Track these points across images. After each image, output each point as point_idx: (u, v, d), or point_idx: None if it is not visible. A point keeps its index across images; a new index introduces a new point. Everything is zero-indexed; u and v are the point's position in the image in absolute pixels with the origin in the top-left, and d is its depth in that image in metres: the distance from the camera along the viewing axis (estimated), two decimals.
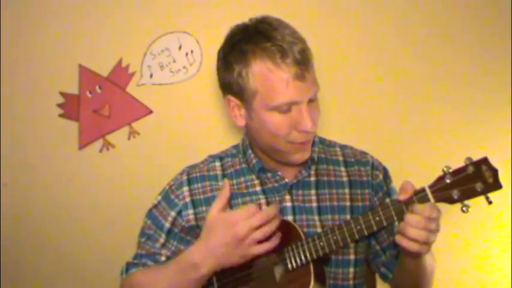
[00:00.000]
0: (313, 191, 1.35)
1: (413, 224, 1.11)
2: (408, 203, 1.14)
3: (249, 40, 1.24)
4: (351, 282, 1.34)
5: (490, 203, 1.11)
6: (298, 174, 1.35)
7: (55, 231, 1.73)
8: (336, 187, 1.37)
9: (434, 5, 1.79)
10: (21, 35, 1.70)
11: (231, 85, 1.28)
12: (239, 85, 1.25)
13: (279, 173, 1.35)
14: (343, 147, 1.45)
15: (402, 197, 1.14)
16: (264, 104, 1.22)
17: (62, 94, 1.71)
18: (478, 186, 1.09)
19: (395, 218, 1.15)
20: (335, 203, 1.35)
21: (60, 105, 1.71)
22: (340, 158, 1.41)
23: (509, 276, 1.80)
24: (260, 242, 1.17)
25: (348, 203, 1.36)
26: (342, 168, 1.40)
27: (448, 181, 1.11)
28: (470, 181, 1.10)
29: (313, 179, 1.36)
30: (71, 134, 1.72)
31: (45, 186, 1.73)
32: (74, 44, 1.71)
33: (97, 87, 1.72)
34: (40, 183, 1.73)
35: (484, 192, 1.10)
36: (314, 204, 1.34)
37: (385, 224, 1.16)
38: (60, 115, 1.72)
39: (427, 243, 1.13)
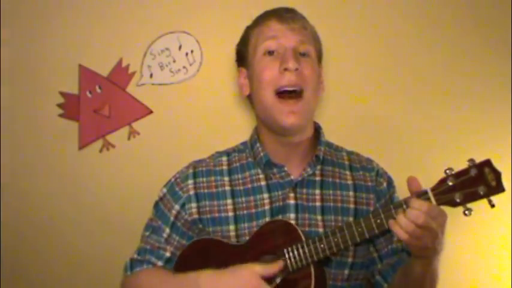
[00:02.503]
0: (317, 191, 1.36)
1: (406, 215, 1.11)
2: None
3: (261, 14, 1.41)
4: (345, 283, 1.34)
5: (492, 206, 1.09)
6: (303, 171, 1.36)
7: (55, 231, 1.73)
8: (341, 188, 1.37)
9: (438, 9, 1.80)
10: (21, 35, 1.70)
11: (241, 55, 1.43)
12: (246, 51, 1.40)
13: (285, 169, 1.35)
14: (349, 152, 1.46)
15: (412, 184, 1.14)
16: (256, 51, 1.35)
17: (62, 94, 1.71)
18: (481, 189, 1.08)
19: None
20: (339, 204, 1.36)
21: (60, 105, 1.71)
22: (346, 162, 1.42)
23: (510, 276, 1.80)
24: None
25: (352, 206, 1.36)
26: (347, 172, 1.40)
27: (450, 184, 1.10)
28: (473, 184, 1.08)
29: (318, 178, 1.37)
30: (71, 134, 1.72)
31: (45, 186, 1.73)
32: (74, 44, 1.71)
33: (97, 87, 1.72)
34: (40, 183, 1.73)
35: (487, 195, 1.08)
36: (318, 204, 1.35)
37: (386, 226, 1.15)
38: (60, 115, 1.72)
39: (418, 239, 1.13)
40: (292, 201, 1.34)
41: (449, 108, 1.80)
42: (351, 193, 1.38)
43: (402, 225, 1.11)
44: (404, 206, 1.14)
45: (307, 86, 1.31)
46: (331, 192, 1.37)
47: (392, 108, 1.79)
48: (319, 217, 1.33)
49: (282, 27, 1.34)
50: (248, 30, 1.42)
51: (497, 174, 1.08)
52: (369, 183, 1.40)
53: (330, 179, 1.38)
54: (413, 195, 1.14)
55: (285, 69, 1.29)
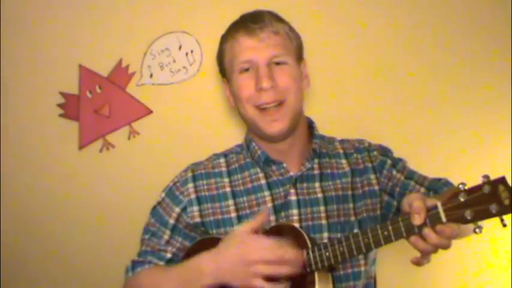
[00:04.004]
0: (317, 184, 1.37)
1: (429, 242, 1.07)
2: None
3: (232, 25, 1.40)
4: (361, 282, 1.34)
5: (504, 225, 1.04)
6: (301, 166, 1.36)
7: (55, 231, 1.73)
8: (339, 178, 1.39)
9: (437, 8, 1.79)
10: (21, 35, 1.70)
11: (221, 67, 1.42)
12: (224, 65, 1.39)
13: (284, 165, 1.36)
14: (341, 141, 1.48)
15: (416, 221, 1.06)
16: (232, 70, 1.35)
17: (62, 94, 1.71)
18: (493, 207, 1.02)
19: (404, 235, 1.10)
20: (340, 193, 1.37)
21: (60, 105, 1.71)
22: (341, 151, 1.44)
23: (509, 276, 1.80)
24: (271, 279, 1.15)
25: (350, 192, 1.38)
26: (343, 161, 1.42)
27: (462, 199, 1.04)
28: (485, 201, 1.02)
29: (317, 172, 1.38)
30: (71, 134, 1.72)
31: (45, 186, 1.73)
32: (74, 44, 1.71)
33: (97, 87, 1.72)
34: (40, 183, 1.73)
35: (499, 214, 1.02)
36: (319, 195, 1.35)
37: (393, 239, 1.11)
38: (60, 115, 1.72)
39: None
40: (293, 198, 1.35)
41: (447, 107, 1.81)
42: (349, 179, 1.39)
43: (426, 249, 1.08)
44: (414, 225, 1.09)
45: (287, 96, 1.32)
46: (330, 183, 1.38)
47: (386, 105, 1.80)
48: (322, 208, 1.34)
49: (252, 42, 1.32)
50: (222, 43, 1.41)
51: None
52: (361, 166, 1.41)
53: (329, 171, 1.39)
54: (425, 217, 1.07)
55: (261, 89, 1.29)
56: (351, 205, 1.36)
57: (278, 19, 1.37)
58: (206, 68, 1.73)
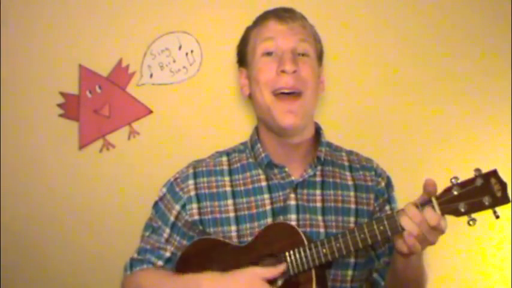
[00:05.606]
0: (318, 191, 1.36)
1: (416, 223, 1.11)
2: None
3: (261, 14, 1.41)
4: (349, 284, 1.34)
5: (497, 217, 1.08)
6: (304, 172, 1.36)
7: (55, 231, 1.73)
8: (341, 189, 1.38)
9: (440, 10, 1.80)
10: (21, 34, 1.70)
11: (241, 55, 1.43)
12: (245, 51, 1.40)
13: (286, 169, 1.35)
14: (349, 153, 1.46)
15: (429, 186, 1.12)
16: (254, 52, 1.35)
17: (62, 94, 1.71)
18: (486, 199, 1.07)
19: (400, 229, 1.13)
20: (339, 205, 1.36)
21: (60, 105, 1.71)
22: (346, 163, 1.43)
23: (509, 277, 1.80)
24: None
25: (353, 206, 1.36)
26: (347, 173, 1.41)
27: (455, 193, 1.09)
28: (478, 194, 1.07)
29: (318, 179, 1.37)
30: (71, 134, 1.72)
31: (45, 186, 1.73)
32: (74, 44, 1.71)
33: (97, 87, 1.72)
34: (40, 183, 1.73)
35: (492, 206, 1.07)
36: (318, 205, 1.35)
37: (389, 234, 1.14)
38: (60, 115, 1.72)
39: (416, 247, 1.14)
40: (293, 202, 1.34)
41: (449, 108, 1.80)
42: (352, 193, 1.38)
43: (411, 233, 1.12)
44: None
45: (306, 88, 1.31)
46: (331, 192, 1.37)
47: (392, 108, 1.79)
48: (319, 217, 1.33)
49: (281, 27, 1.33)
50: (248, 31, 1.42)
51: (503, 185, 1.07)
52: (369, 183, 1.40)
53: (331, 180, 1.38)
54: (416, 202, 1.13)
55: (282, 72, 1.29)
56: (352, 219, 1.35)
57: (306, 19, 1.40)
58: (206, 68, 1.73)
